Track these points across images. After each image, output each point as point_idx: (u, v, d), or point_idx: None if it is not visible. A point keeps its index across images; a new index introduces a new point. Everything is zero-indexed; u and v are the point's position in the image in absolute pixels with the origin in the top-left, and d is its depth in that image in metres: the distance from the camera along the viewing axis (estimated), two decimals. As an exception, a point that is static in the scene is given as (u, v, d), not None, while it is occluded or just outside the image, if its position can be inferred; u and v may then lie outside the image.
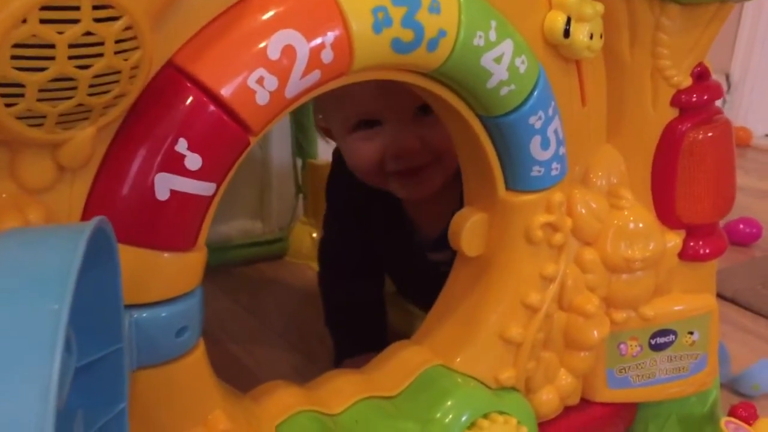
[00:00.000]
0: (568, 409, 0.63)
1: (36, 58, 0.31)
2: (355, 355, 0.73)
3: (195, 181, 0.40)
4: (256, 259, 1.17)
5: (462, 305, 0.59)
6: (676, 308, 0.64)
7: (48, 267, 0.28)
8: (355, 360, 0.65)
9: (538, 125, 0.52)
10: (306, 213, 1.20)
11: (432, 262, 0.78)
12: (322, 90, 0.44)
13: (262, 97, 0.40)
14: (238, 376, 0.54)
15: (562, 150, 0.55)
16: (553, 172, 0.55)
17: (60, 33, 0.31)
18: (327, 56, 0.42)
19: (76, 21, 0.32)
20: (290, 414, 0.51)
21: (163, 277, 0.41)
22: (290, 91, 0.41)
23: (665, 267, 0.62)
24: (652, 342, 0.63)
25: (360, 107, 0.68)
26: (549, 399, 0.60)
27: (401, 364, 0.58)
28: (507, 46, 0.48)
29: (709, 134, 0.60)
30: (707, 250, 0.63)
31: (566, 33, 0.51)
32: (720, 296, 0.87)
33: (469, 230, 0.57)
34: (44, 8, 0.31)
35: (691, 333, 0.64)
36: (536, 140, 0.53)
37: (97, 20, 0.32)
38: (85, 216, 0.39)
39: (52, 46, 0.31)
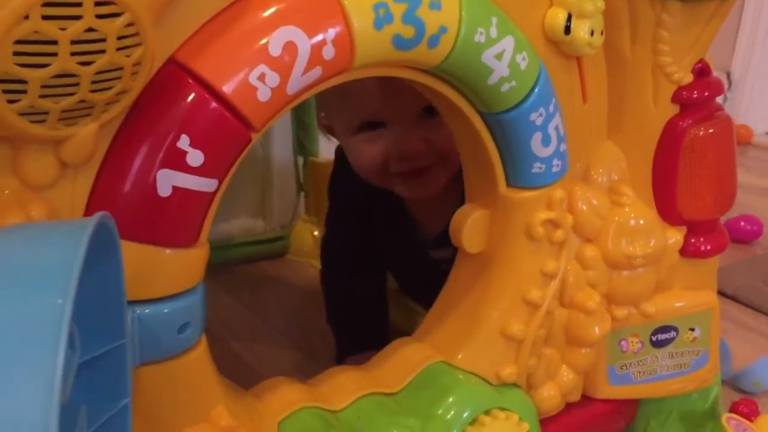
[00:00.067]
0: (569, 406, 0.63)
1: (38, 55, 0.31)
2: (356, 353, 0.73)
3: (197, 177, 0.40)
4: (258, 257, 1.17)
5: (463, 302, 0.59)
6: (678, 305, 0.64)
7: (51, 262, 0.28)
8: (357, 357, 0.66)
9: (539, 122, 0.52)
10: (307, 211, 1.21)
11: (434, 260, 0.78)
12: (324, 87, 0.44)
13: (263, 94, 0.40)
14: (240, 374, 0.54)
15: (563, 147, 0.55)
16: (554, 169, 0.55)
17: (62, 29, 0.31)
18: (328, 53, 0.42)
19: (78, 17, 0.32)
20: (292, 410, 0.51)
21: (166, 273, 0.41)
22: (292, 88, 0.41)
23: (666, 263, 0.62)
24: (653, 338, 0.64)
25: (364, 109, 0.68)
26: (550, 395, 0.60)
27: (403, 361, 0.58)
28: (508, 43, 0.48)
29: (710, 131, 0.60)
30: (708, 247, 0.63)
31: (567, 29, 0.51)
32: (721, 293, 0.87)
33: (470, 227, 0.57)
34: (46, 4, 0.31)
35: (693, 329, 0.65)
36: (537, 137, 0.53)
37: (99, 16, 0.32)
38: (88, 212, 0.39)
39: (54, 43, 0.32)
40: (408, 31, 0.44)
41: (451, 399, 0.54)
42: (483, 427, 0.53)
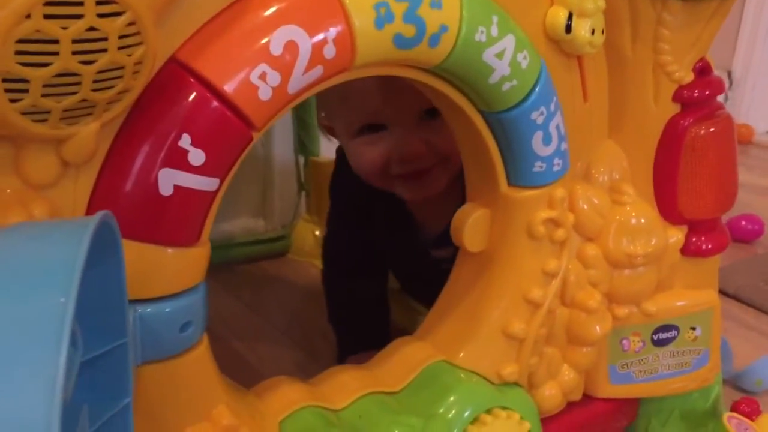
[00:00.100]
0: (570, 405, 0.63)
1: (40, 54, 0.32)
2: (358, 352, 0.73)
3: (198, 176, 0.40)
4: (259, 257, 1.17)
5: (464, 301, 0.59)
6: (679, 304, 0.64)
7: (53, 261, 0.28)
8: (358, 357, 0.65)
9: (540, 121, 0.52)
10: (308, 210, 1.21)
11: (435, 259, 0.78)
12: (325, 86, 0.44)
13: (264, 93, 0.40)
14: (241, 373, 0.54)
15: (564, 145, 0.55)
16: (555, 168, 0.55)
17: (64, 28, 0.31)
18: (329, 52, 0.42)
19: (79, 16, 0.32)
20: (294, 409, 0.52)
21: (167, 272, 0.41)
22: (293, 87, 0.41)
23: (667, 262, 0.62)
24: (655, 337, 0.63)
25: (364, 110, 0.68)
26: (552, 394, 0.60)
27: (404, 360, 0.58)
28: (509, 42, 0.48)
29: (711, 129, 0.60)
30: (709, 246, 0.63)
31: (568, 28, 0.51)
32: (722, 293, 0.87)
33: (471, 226, 0.57)
34: (48, 4, 0.31)
35: (694, 328, 0.65)
36: (538, 136, 0.53)
37: (101, 15, 0.32)
38: (90, 211, 0.39)
39: (55, 42, 0.32)
40: (409, 30, 0.44)
41: (452, 398, 0.54)
42: (484, 426, 0.53)
